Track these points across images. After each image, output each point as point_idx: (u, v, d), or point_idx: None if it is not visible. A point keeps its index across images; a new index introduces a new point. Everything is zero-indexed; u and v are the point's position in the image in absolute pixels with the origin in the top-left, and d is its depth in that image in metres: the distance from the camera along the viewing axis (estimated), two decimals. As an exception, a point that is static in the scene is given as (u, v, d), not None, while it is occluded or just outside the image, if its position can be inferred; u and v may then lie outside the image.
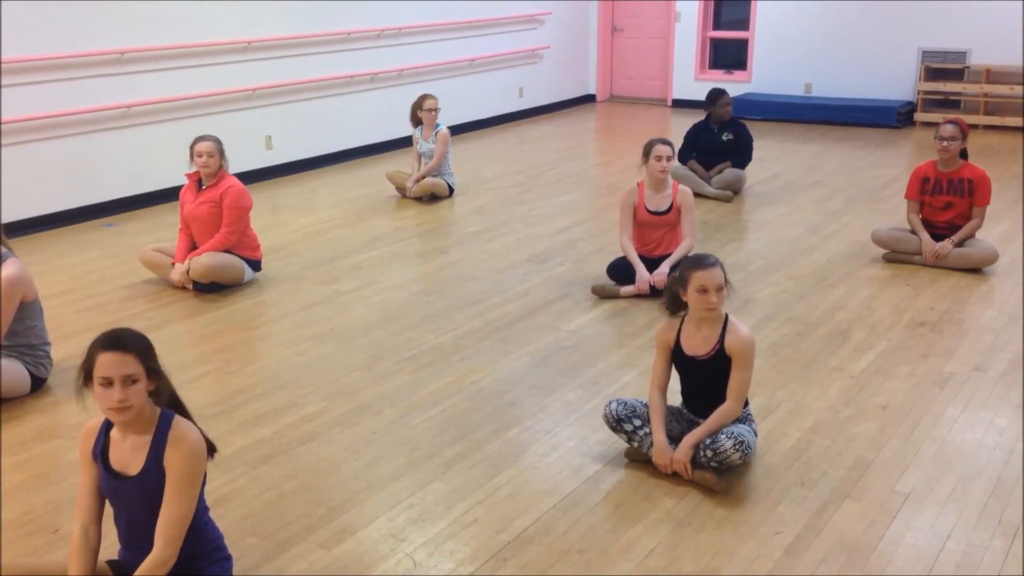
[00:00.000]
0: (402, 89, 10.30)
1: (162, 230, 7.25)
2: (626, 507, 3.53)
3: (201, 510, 2.88)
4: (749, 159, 8.29)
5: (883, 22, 11.58)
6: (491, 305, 5.67)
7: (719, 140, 8.19)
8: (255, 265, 6.15)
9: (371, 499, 3.60)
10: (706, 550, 3.26)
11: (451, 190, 8.28)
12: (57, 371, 4.74)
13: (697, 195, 7.09)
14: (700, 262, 3.63)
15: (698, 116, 8.68)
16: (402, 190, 8.29)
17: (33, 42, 7.23)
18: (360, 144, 10.11)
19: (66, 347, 5.04)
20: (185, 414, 2.88)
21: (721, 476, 3.62)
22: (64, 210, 7.67)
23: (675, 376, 3.85)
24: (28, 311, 4.50)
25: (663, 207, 5.80)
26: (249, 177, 8.46)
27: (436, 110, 8.17)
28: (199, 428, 2.85)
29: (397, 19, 10.25)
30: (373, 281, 6.14)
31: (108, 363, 2.68)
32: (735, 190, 8.08)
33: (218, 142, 5.96)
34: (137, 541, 2.81)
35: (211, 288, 5.90)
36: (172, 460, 2.74)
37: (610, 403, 3.81)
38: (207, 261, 5.84)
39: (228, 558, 2.99)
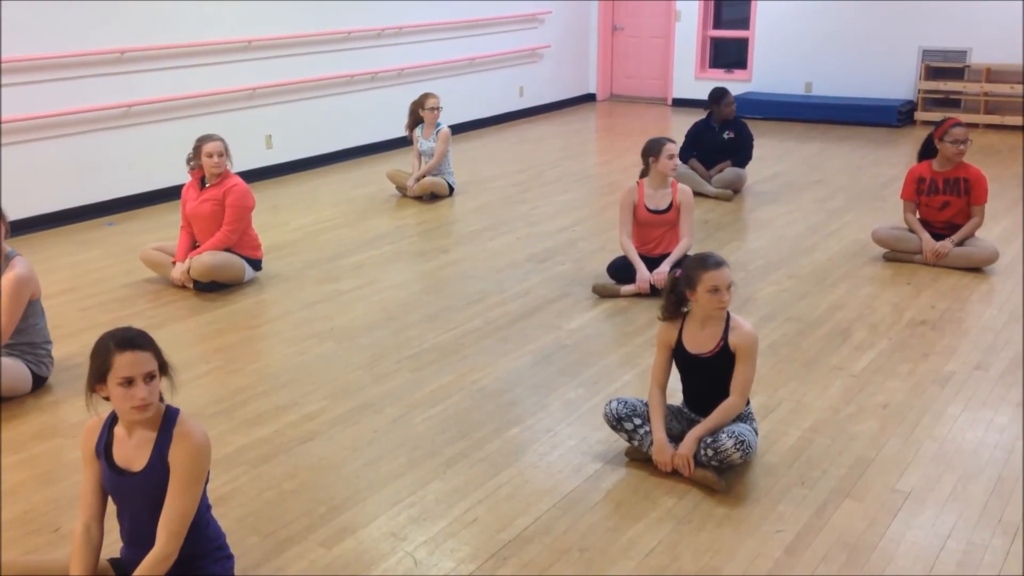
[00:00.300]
0: (402, 88, 10.30)
1: (163, 229, 7.25)
2: (627, 506, 3.53)
3: (203, 508, 2.88)
4: (749, 158, 8.29)
5: (883, 21, 11.58)
6: (492, 304, 5.68)
7: (720, 138, 8.19)
8: (256, 264, 6.15)
9: (372, 498, 3.61)
10: (706, 549, 3.26)
11: (451, 189, 8.28)
12: (58, 370, 4.74)
13: (697, 194, 7.10)
14: (707, 262, 3.62)
15: (699, 115, 8.68)
16: (402, 189, 8.30)
17: (33, 41, 7.24)
18: (360, 143, 10.12)
19: (67, 346, 5.05)
20: None
21: (721, 475, 3.62)
22: (65, 209, 7.67)
23: (675, 375, 3.86)
24: (31, 310, 4.51)
25: (663, 205, 5.80)
26: (249, 176, 8.45)
27: (438, 109, 8.17)
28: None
29: (397, 18, 10.25)
30: (374, 280, 6.14)
31: (128, 363, 2.69)
32: (735, 189, 8.08)
33: (224, 141, 5.97)
34: (140, 538, 2.81)
35: (211, 287, 5.91)
36: (177, 456, 2.74)
37: (610, 402, 3.82)
38: (208, 260, 5.84)
39: (230, 557, 2.99)
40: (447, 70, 11.07)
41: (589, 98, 13.79)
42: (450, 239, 7.14)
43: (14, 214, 7.23)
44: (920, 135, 10.62)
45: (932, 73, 11.33)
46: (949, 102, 11.33)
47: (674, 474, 3.69)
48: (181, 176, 8.14)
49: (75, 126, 7.66)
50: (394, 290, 5.95)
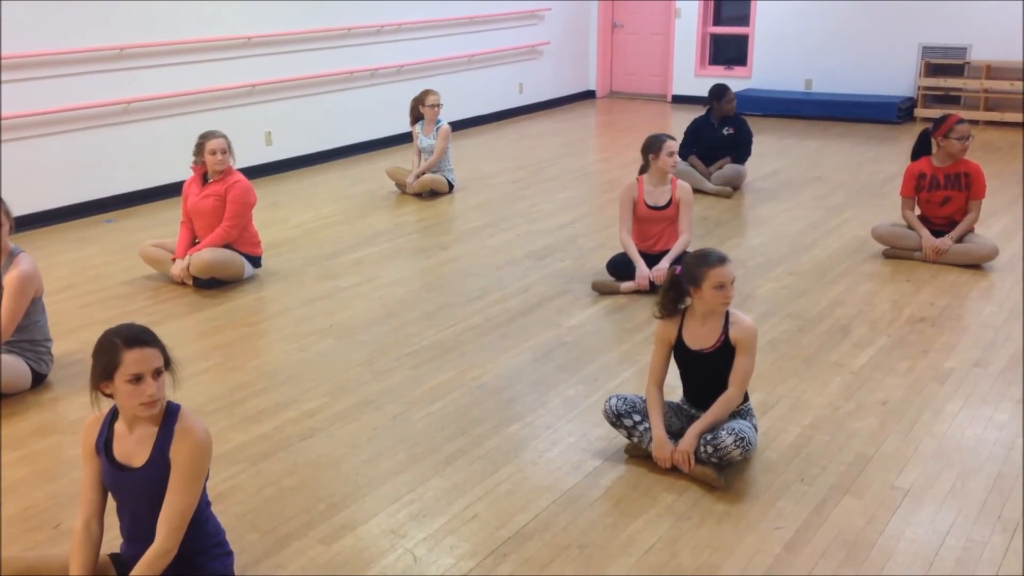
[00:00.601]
0: (402, 85, 10.30)
1: (162, 226, 7.25)
2: (626, 503, 3.53)
3: (203, 505, 2.89)
4: (749, 154, 8.29)
5: (883, 18, 11.58)
6: (491, 301, 5.68)
7: (719, 135, 8.18)
8: (255, 261, 6.15)
9: (371, 495, 3.61)
10: (706, 545, 3.26)
11: (451, 186, 8.28)
12: (57, 367, 4.74)
13: (697, 191, 7.10)
14: (710, 259, 3.62)
15: (698, 112, 8.67)
16: (402, 186, 8.29)
17: (32, 38, 7.23)
18: (360, 140, 10.11)
19: (67, 343, 5.05)
20: None
21: (721, 471, 3.62)
22: (64, 206, 7.67)
23: (673, 372, 3.86)
24: (33, 307, 4.51)
25: (662, 202, 5.80)
26: (249, 173, 8.37)
27: (438, 106, 8.17)
28: None
29: (397, 15, 10.25)
30: (373, 277, 6.14)
31: (137, 359, 2.69)
32: (735, 186, 8.08)
33: (227, 138, 5.98)
34: (140, 534, 2.81)
35: (211, 284, 5.90)
36: (179, 452, 2.75)
37: (610, 399, 3.82)
38: (207, 257, 5.84)
39: (229, 553, 2.99)
40: (447, 67, 11.06)
41: (589, 95, 13.78)
42: (450, 236, 7.13)
43: (12, 211, 7.23)
44: (920, 132, 10.65)
45: (932, 70, 11.33)
46: (949, 99, 11.32)
47: (673, 471, 3.69)
48: (180, 173, 8.16)
49: (74, 123, 7.66)
50: (394, 287, 5.95)
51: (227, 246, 5.97)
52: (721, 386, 3.68)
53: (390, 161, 9.17)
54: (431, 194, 8.18)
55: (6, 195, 7.08)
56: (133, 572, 2.71)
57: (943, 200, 6.18)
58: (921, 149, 6.32)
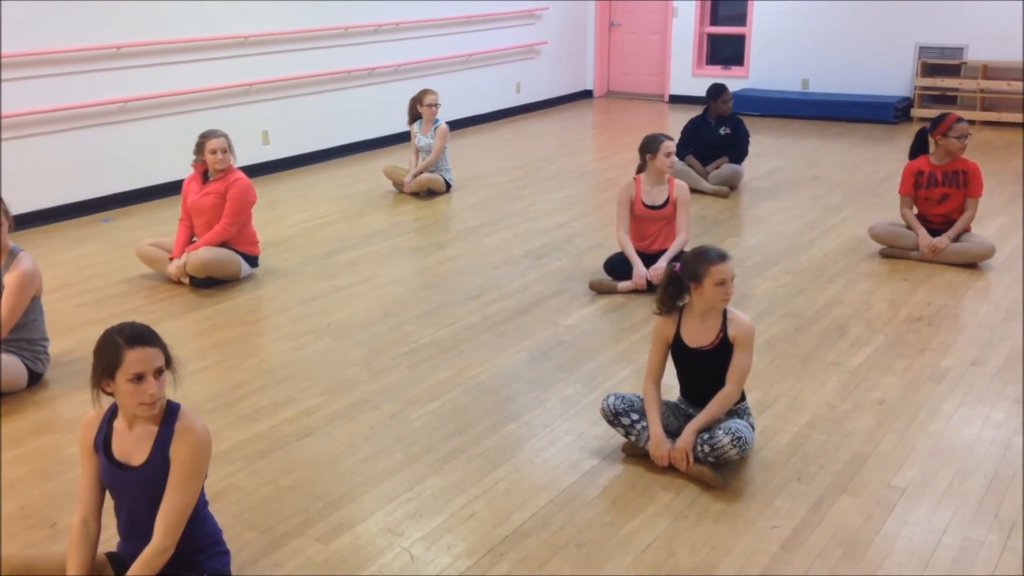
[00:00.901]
0: (399, 84, 10.29)
1: (159, 225, 7.24)
2: (623, 501, 3.54)
3: (201, 504, 2.89)
4: (746, 154, 8.29)
5: (880, 18, 11.59)
6: (489, 300, 5.68)
7: (716, 134, 8.19)
8: (252, 261, 6.14)
9: (369, 494, 3.61)
10: (703, 544, 3.27)
11: (448, 186, 8.28)
12: (54, 366, 4.74)
13: (694, 191, 7.10)
14: (711, 255, 3.63)
15: (696, 112, 8.68)
16: (399, 185, 8.29)
17: (29, 37, 7.22)
18: (357, 139, 10.11)
19: (63, 342, 5.05)
20: None
21: (718, 471, 3.62)
22: (60, 205, 7.66)
23: (670, 371, 3.86)
24: (31, 306, 4.52)
25: (660, 201, 5.81)
26: (246, 172, 8.24)
27: (436, 106, 8.16)
28: None
29: (394, 14, 10.24)
30: (371, 276, 6.14)
31: (139, 358, 2.69)
32: (732, 186, 8.08)
33: (228, 137, 5.98)
34: (138, 532, 2.81)
35: (207, 283, 5.90)
36: (179, 451, 2.75)
37: (607, 398, 3.82)
38: (204, 256, 5.83)
39: (226, 552, 2.99)
40: (444, 66, 11.06)
41: (586, 94, 13.78)
42: (447, 235, 7.13)
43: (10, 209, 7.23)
44: (917, 132, 10.66)
45: (929, 70, 11.34)
46: (946, 99, 11.33)
47: (671, 469, 3.70)
48: (177, 172, 8.16)
49: (70, 122, 7.65)
50: (391, 286, 5.95)
51: (224, 245, 5.96)
52: (719, 384, 3.68)
53: (387, 160, 9.16)
54: (428, 193, 8.17)
55: (3, 194, 7.12)
56: (131, 570, 2.71)
57: (941, 197, 6.19)
58: (919, 148, 6.34)
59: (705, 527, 3.36)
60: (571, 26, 13.25)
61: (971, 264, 6.09)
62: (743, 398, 3.80)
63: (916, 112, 11.35)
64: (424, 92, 8.21)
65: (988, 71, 10.98)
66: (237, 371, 4.75)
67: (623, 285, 5.76)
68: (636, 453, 3.81)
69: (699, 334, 3.72)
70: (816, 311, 5.42)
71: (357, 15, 9.83)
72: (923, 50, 11.40)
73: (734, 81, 12.30)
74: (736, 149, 8.21)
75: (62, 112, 7.53)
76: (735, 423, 3.63)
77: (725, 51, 13.04)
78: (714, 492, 3.57)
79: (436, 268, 6.33)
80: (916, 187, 6.27)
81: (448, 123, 8.49)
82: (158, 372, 2.73)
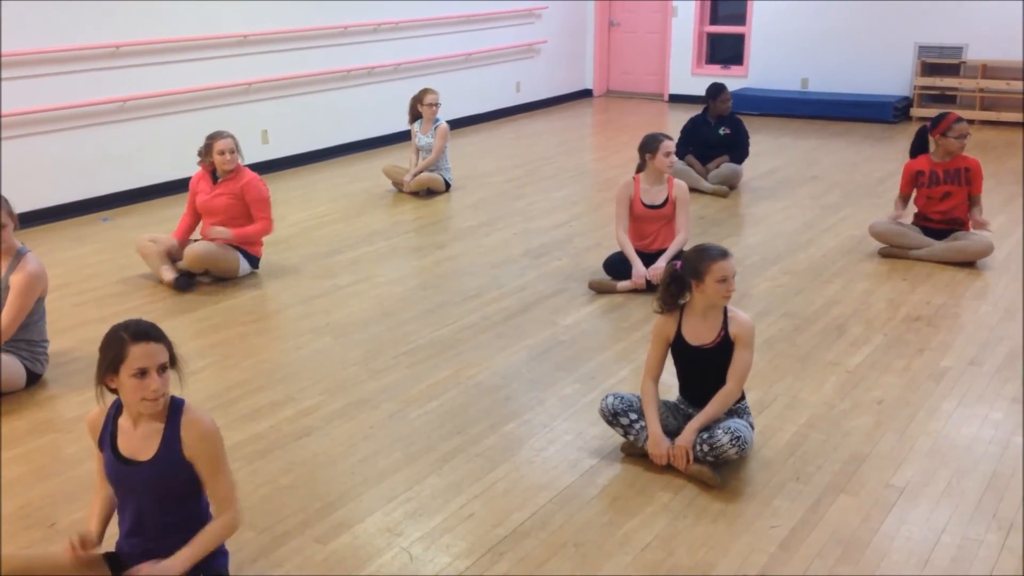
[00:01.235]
0: (399, 83, 10.29)
1: (158, 224, 7.23)
2: (622, 501, 3.54)
3: (203, 504, 2.90)
4: (746, 154, 8.29)
5: (880, 17, 11.59)
6: (488, 300, 5.68)
7: (716, 134, 8.19)
8: (254, 261, 6.15)
9: (368, 493, 3.61)
10: (702, 544, 3.27)
11: (448, 185, 8.28)
12: (53, 365, 4.74)
13: (693, 190, 7.10)
14: (712, 253, 3.64)
15: (695, 111, 8.68)
16: (398, 185, 8.29)
17: (27, 36, 7.22)
18: (357, 138, 10.11)
19: (62, 341, 5.05)
20: None
21: (717, 470, 3.62)
22: (60, 204, 7.65)
23: (669, 371, 3.86)
24: (35, 308, 4.52)
25: (659, 200, 5.81)
26: (246, 171, 8.45)
27: (437, 105, 8.16)
28: None
29: (394, 14, 10.24)
30: (370, 275, 6.14)
31: (143, 354, 2.71)
32: (731, 185, 8.09)
33: (235, 138, 6.00)
34: (144, 528, 2.83)
35: (191, 286, 5.87)
36: (193, 443, 2.79)
37: (606, 397, 3.82)
38: (201, 250, 5.85)
39: (225, 552, 2.99)
40: (444, 65, 11.06)
41: (585, 94, 13.78)
42: (446, 235, 7.13)
43: (10, 209, 7.24)
44: (916, 131, 10.66)
45: (928, 69, 11.34)
46: (945, 98, 11.34)
47: (670, 469, 3.70)
48: (176, 171, 8.17)
49: (69, 121, 7.64)
50: (390, 286, 5.95)
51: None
52: (719, 383, 3.69)
53: (387, 160, 9.16)
54: (428, 193, 8.17)
55: (2, 193, 7.12)
56: (199, 545, 2.78)
57: (943, 195, 6.20)
58: (919, 146, 6.35)
59: (704, 526, 3.37)
60: (571, 25, 13.25)
61: (969, 262, 6.09)
62: (742, 397, 3.80)
63: (915, 111, 11.35)
64: (425, 91, 8.21)
65: (987, 70, 10.98)
66: (236, 371, 4.75)
67: (622, 285, 5.76)
68: (635, 453, 3.82)
69: (700, 332, 3.73)
70: (815, 311, 5.42)
71: (357, 14, 9.83)
72: (922, 49, 11.40)
73: (733, 80, 12.30)
74: (736, 149, 8.20)
75: (62, 111, 7.53)
76: (734, 422, 3.63)
77: (724, 50, 13.04)
78: (713, 492, 3.58)
79: (435, 268, 6.33)
80: (917, 186, 6.28)
81: (448, 122, 8.49)
82: (162, 368, 2.74)
